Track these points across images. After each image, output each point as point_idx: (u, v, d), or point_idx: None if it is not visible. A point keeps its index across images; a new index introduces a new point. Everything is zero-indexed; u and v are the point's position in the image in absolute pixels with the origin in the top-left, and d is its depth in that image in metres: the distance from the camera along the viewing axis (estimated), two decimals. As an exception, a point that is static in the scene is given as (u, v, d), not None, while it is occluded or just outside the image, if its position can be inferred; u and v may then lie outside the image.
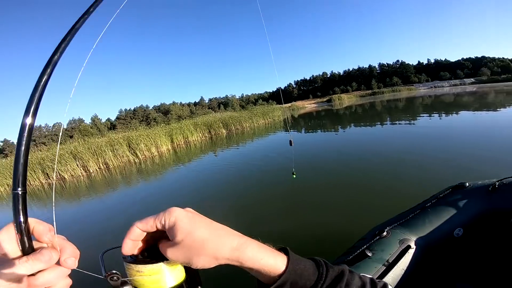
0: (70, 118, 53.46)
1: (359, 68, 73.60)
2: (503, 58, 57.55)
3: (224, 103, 69.73)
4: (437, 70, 63.43)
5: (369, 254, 1.02)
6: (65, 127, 50.72)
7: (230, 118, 18.06)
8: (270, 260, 0.37)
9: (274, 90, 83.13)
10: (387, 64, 70.85)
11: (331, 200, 3.67)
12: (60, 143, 19.72)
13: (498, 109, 10.67)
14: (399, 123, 10.38)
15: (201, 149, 12.26)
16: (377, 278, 1.09)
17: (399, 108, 18.68)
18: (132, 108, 62.29)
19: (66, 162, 10.50)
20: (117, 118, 59.27)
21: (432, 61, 67.46)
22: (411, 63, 68.71)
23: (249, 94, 79.66)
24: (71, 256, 0.31)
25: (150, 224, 0.35)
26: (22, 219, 0.29)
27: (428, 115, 11.69)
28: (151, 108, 63.72)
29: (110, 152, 11.42)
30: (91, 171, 10.89)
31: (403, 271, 1.12)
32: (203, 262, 0.35)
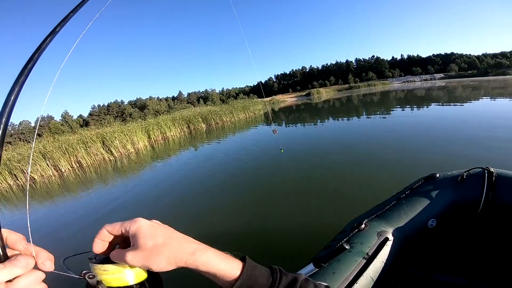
0: (38, 116, 50.26)
1: (337, 62, 75.32)
2: (469, 54, 61.60)
3: (203, 98, 68.48)
4: (409, 65, 66.58)
5: (347, 247, 1.03)
6: (32, 125, 47.14)
7: (209, 113, 17.77)
8: (226, 266, 0.40)
9: (254, 84, 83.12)
10: (363, 59, 73.28)
11: (311, 193, 3.72)
12: (28, 142, 18.45)
13: (465, 103, 11.43)
14: (375, 117, 10.80)
15: (180, 145, 11.98)
16: (358, 271, 1.12)
17: (374, 102, 19.40)
18: (106, 104, 59.34)
19: (36, 162, 9.85)
20: (90, 114, 56.25)
21: (405, 56, 70.64)
22: (385, 58, 71.54)
23: (230, 88, 78.78)
24: (47, 260, 0.33)
25: (116, 229, 0.39)
26: None
27: (401, 108, 12.31)
28: (126, 103, 61.04)
29: (83, 150, 10.84)
30: (63, 170, 10.27)
31: (383, 263, 1.15)
32: (161, 265, 0.37)
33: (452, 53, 64.07)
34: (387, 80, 60.80)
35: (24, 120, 47.33)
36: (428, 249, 1.36)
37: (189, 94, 72.55)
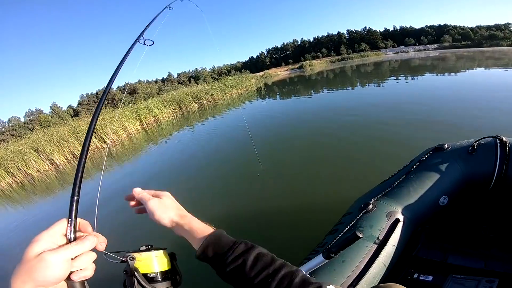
0: (26, 110, 48.08)
1: (328, 34, 72.79)
2: (463, 26, 60.09)
3: (194, 77, 66.35)
4: (402, 37, 64.84)
5: (360, 236, 0.95)
6: (22, 120, 45.54)
7: (200, 92, 17.27)
8: (202, 226, 0.51)
9: (246, 60, 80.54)
10: (355, 30, 70.93)
11: (311, 171, 3.55)
12: (19, 137, 18.02)
13: (462, 72, 11.19)
14: (371, 87, 10.58)
15: (173, 126, 11.73)
16: (370, 259, 1.04)
17: (368, 72, 19.04)
18: (95, 92, 57.25)
19: (29, 158, 9.61)
20: (79, 104, 54.33)
21: (398, 28, 68.58)
22: (378, 30, 69.41)
23: (221, 66, 76.19)
24: (103, 242, 0.43)
25: (136, 193, 0.56)
26: (73, 216, 0.41)
27: (396, 78, 12.05)
28: (115, 89, 58.99)
29: (75, 141, 10.57)
30: (58, 163, 10.07)
31: (394, 247, 1.08)
32: (162, 216, 0.52)
33: (445, 25, 62.40)
34: (380, 50, 59.49)
35: (13, 117, 45.53)
36: (440, 229, 1.29)
37: (179, 75, 70.14)
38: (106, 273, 0.66)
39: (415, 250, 1.24)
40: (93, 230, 0.45)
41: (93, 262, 0.41)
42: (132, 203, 0.57)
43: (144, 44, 0.76)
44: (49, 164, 10.00)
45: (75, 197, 0.44)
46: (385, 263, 1.04)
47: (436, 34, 62.33)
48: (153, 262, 0.46)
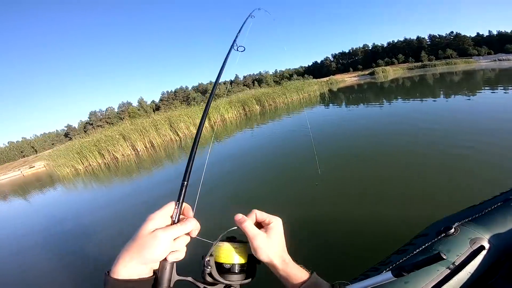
0: (119, 102, 57.43)
1: (405, 39, 65.74)
2: None
3: (258, 80, 68.62)
4: (501, 43, 53.94)
5: (444, 257, 0.85)
6: (116, 110, 54.92)
7: (263, 95, 17.83)
8: (298, 271, 0.50)
9: (309, 64, 79.26)
10: (439, 35, 62.16)
11: (376, 185, 3.26)
12: (112, 124, 21.86)
13: None
14: (462, 98, 9.05)
15: (237, 125, 12.39)
16: (438, 282, 0.94)
17: (455, 81, 16.41)
18: (173, 90, 65.05)
19: (118, 143, 11.42)
20: (161, 100, 62.44)
21: (495, 32, 57.29)
22: (468, 35, 59.39)
23: (283, 70, 76.86)
24: (197, 229, 0.46)
25: (262, 216, 0.52)
26: (181, 200, 0.45)
27: (492, 90, 10.04)
28: (190, 88, 65.91)
29: (154, 132, 12.18)
30: (139, 149, 11.74)
31: (470, 274, 0.94)
32: (265, 256, 0.48)
33: (560, 28, 49.30)
34: (471, 58, 50.84)
35: (109, 107, 55.44)
36: None
37: (244, 77, 73.65)
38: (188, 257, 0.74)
39: (491, 280, 1.06)
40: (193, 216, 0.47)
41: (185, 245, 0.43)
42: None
43: (237, 50, 0.84)
44: (131, 150, 11.73)
45: (185, 182, 0.47)
46: (454, 288, 0.92)
47: (547, 40, 49.90)
48: (233, 253, 0.47)
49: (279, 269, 0.49)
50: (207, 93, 58.79)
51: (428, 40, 63.96)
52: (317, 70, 71.63)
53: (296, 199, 3.36)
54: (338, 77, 50.51)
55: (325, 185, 3.49)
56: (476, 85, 12.64)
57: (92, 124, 49.72)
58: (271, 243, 0.49)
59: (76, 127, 53.41)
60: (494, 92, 9.09)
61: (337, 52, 75.42)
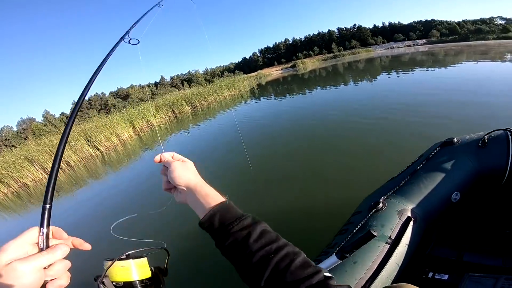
0: (18, 119, 46.97)
1: (319, 33, 73.23)
2: (450, 21, 61.16)
3: (187, 80, 65.91)
4: (391, 33, 65.70)
5: (375, 234, 0.88)
6: (15, 129, 44.50)
7: (192, 95, 17.13)
8: (214, 194, 0.50)
9: (239, 61, 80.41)
10: (345, 28, 71.59)
11: (310, 171, 3.46)
12: (13, 147, 17.64)
13: (454, 66, 11.25)
14: (367, 83, 10.59)
15: (167, 130, 11.61)
16: (382, 259, 0.99)
17: (360, 69, 19.16)
18: (87, 98, 56.33)
19: (22, 167, 9.45)
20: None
21: (387, 24, 69.42)
22: (367, 26, 70.16)
23: (214, 68, 75.82)
24: (85, 242, 0.45)
25: (163, 157, 0.56)
26: (45, 224, 0.41)
27: (389, 73, 12.09)
28: (107, 94, 58.28)
29: (68, 150, 10.42)
30: None
31: (407, 246, 1.03)
32: (183, 178, 0.52)
33: (433, 20, 63.36)
34: (370, 47, 60.09)
35: (5, 126, 44.47)
36: (454, 226, 1.25)
37: (171, 78, 69.67)
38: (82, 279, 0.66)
39: (428, 248, 1.19)
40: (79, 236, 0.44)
41: (68, 270, 0.41)
42: (162, 169, 0.57)
43: (129, 43, 0.72)
44: (43, 173, 9.83)
45: (47, 206, 0.43)
46: (398, 262, 0.99)
47: (424, 29, 63.34)
48: (130, 270, 0.44)
49: (197, 189, 0.50)
50: (129, 98, 53.45)
51: (337, 33, 72.57)
52: (246, 66, 73.25)
53: (234, 196, 3.29)
54: (265, 71, 52.71)
55: (257, 178, 3.54)
56: (375, 71, 14.97)
57: (-17, 149, 39.28)
58: (187, 166, 0.54)
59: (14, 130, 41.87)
60: (397, 76, 10.88)
61: (263, 47, 78.56)
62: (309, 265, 0.39)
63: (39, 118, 48.15)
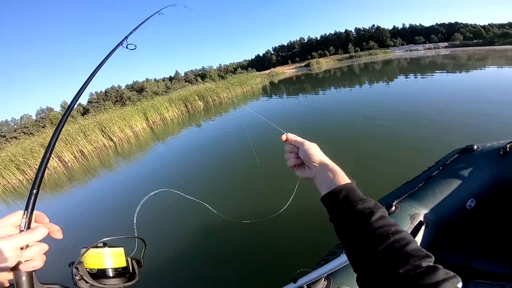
0: (37, 108, 49.03)
1: (335, 32, 72.05)
2: (475, 24, 58.67)
3: (201, 75, 66.46)
4: (412, 35, 63.67)
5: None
6: (33, 118, 46.18)
7: (205, 90, 17.28)
8: (342, 173, 0.53)
9: (253, 58, 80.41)
10: (363, 28, 70.00)
11: None
12: (31, 134, 18.40)
13: (477, 70, 10.79)
14: (386, 85, 10.32)
15: (179, 124, 11.77)
16: None
17: (376, 70, 18.71)
18: (104, 90, 57.68)
19: (39, 155, 9.68)
20: (89, 102, 54.74)
21: (407, 25, 67.40)
22: (386, 28, 68.37)
23: (227, 64, 76.10)
24: (59, 231, 0.45)
25: (291, 137, 0.60)
26: (30, 208, 0.42)
27: (406, 76, 11.76)
28: (123, 87, 59.46)
29: (83, 139, 10.70)
30: (67, 160, 10.18)
31: None
32: (317, 156, 0.56)
33: (456, 23, 60.92)
34: (388, 49, 58.62)
35: (25, 114, 46.26)
36: (465, 232, 1.20)
37: (186, 73, 70.39)
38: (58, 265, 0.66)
39: (437, 253, 1.16)
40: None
41: (46, 254, 0.42)
42: (288, 148, 0.60)
43: (127, 48, 0.78)
44: (58, 161, 10.12)
45: (35, 191, 0.44)
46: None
47: (446, 32, 61.07)
48: (104, 258, 0.46)
49: (330, 167, 0.53)
50: (144, 91, 54.28)
51: (354, 33, 71.13)
52: (260, 63, 73.11)
53: (244, 196, 3.30)
54: (279, 69, 52.43)
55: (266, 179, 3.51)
56: (393, 73, 14.57)
57: (5, 136, 41.02)
58: (317, 147, 0.58)
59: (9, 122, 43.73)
60: (415, 78, 10.56)
61: (277, 45, 78.13)
62: (422, 250, 0.40)
63: (57, 108, 49.66)
